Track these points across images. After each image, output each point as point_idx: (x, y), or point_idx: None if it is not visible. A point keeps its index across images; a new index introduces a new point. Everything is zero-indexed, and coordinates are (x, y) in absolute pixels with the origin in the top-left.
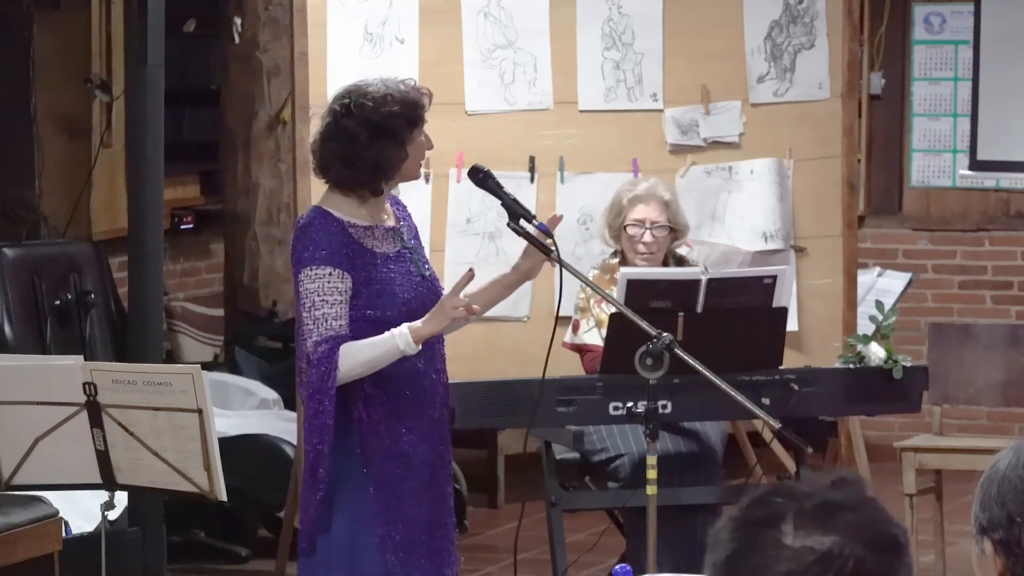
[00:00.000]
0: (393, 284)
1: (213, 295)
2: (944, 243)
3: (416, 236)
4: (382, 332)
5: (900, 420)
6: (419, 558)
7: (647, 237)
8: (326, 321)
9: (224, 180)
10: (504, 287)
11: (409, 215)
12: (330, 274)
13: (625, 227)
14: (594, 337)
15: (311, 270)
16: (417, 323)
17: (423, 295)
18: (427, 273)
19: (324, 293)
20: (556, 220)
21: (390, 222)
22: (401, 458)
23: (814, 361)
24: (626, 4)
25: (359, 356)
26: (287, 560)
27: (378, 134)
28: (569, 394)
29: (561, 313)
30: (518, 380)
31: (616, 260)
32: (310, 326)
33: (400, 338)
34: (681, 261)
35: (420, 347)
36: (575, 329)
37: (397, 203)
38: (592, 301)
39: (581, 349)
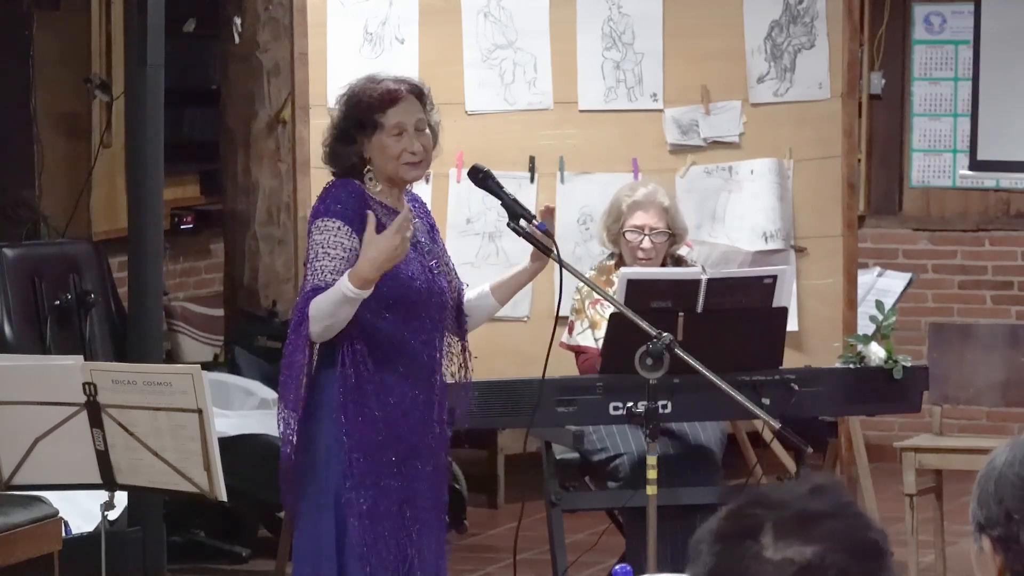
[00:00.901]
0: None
1: (213, 295)
2: (944, 243)
3: (428, 234)
4: (380, 306)
5: (900, 420)
6: (384, 530)
7: (646, 243)
8: (321, 273)
9: (224, 180)
10: (521, 277)
11: (427, 213)
12: (339, 228)
13: (624, 233)
14: (587, 339)
15: (322, 221)
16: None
17: (429, 282)
18: (436, 270)
19: (328, 246)
20: (548, 212)
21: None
22: (384, 425)
23: (814, 361)
24: (626, 4)
25: (319, 305)
26: (287, 560)
27: (336, 130)
28: (569, 394)
29: (561, 313)
30: (518, 380)
31: (612, 262)
32: (308, 276)
33: (342, 283)
34: (680, 261)
35: (367, 293)
36: (570, 330)
37: (415, 200)
38: (587, 303)
39: (575, 350)
